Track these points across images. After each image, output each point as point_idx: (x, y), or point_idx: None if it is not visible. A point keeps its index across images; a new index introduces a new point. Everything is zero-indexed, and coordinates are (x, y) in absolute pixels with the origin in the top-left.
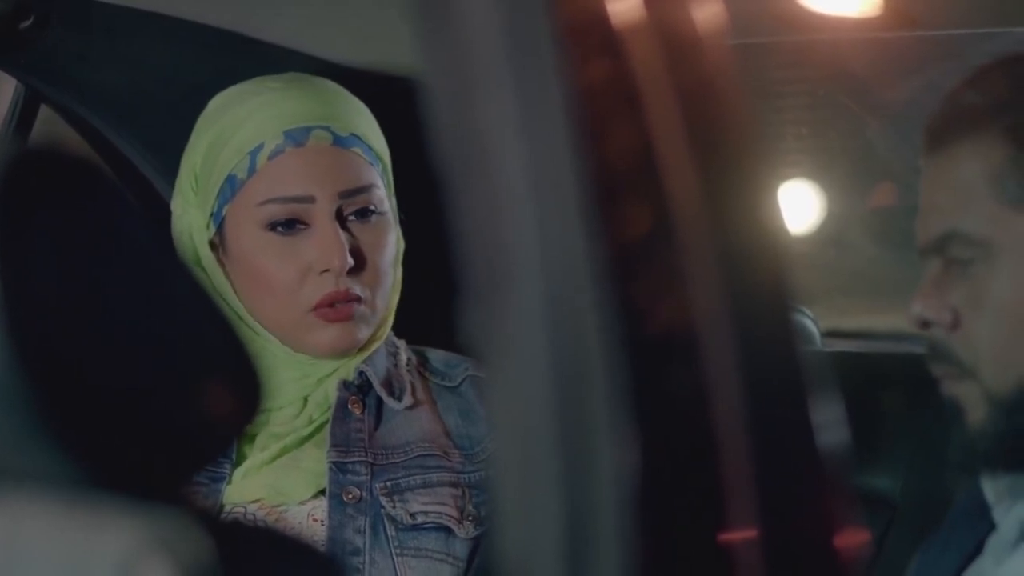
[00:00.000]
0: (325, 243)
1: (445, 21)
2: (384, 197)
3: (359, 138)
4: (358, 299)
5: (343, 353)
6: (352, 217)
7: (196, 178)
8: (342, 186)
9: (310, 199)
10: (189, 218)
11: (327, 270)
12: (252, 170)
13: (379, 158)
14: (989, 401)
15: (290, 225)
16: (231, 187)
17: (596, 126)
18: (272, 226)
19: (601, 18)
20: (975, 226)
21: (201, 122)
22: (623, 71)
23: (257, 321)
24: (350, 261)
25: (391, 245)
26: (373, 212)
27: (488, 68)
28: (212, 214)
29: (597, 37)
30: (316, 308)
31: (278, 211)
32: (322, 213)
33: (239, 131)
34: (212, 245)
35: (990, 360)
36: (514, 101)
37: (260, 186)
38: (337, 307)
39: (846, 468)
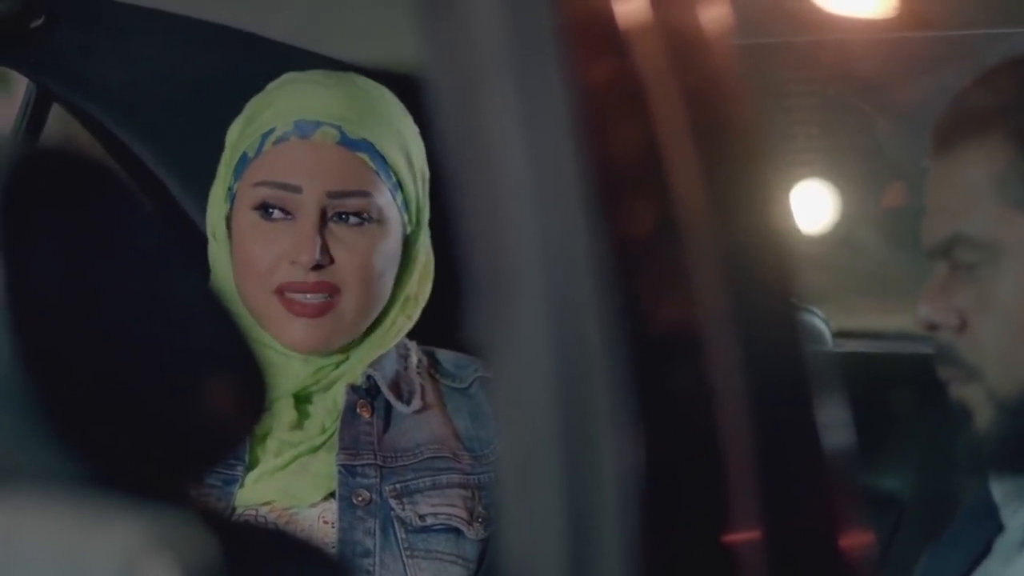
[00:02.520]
0: (300, 236)
1: (449, 19)
2: (384, 206)
3: (371, 144)
4: (330, 289)
5: (313, 351)
6: (337, 218)
7: (230, 150)
8: (333, 186)
9: (297, 189)
10: (215, 189)
11: (296, 262)
12: (259, 151)
13: (392, 170)
14: (994, 403)
15: (275, 211)
16: (242, 165)
17: (600, 124)
18: (259, 208)
19: (606, 16)
20: (980, 229)
21: (253, 98)
22: (628, 69)
23: (242, 301)
24: (318, 257)
25: (383, 255)
26: (366, 219)
27: (492, 66)
28: (228, 188)
29: (602, 35)
30: (278, 291)
31: (267, 194)
32: (306, 206)
33: (261, 114)
34: (227, 220)
35: (996, 363)
36: (518, 99)
37: (260, 168)
38: (304, 300)
39: (851, 468)
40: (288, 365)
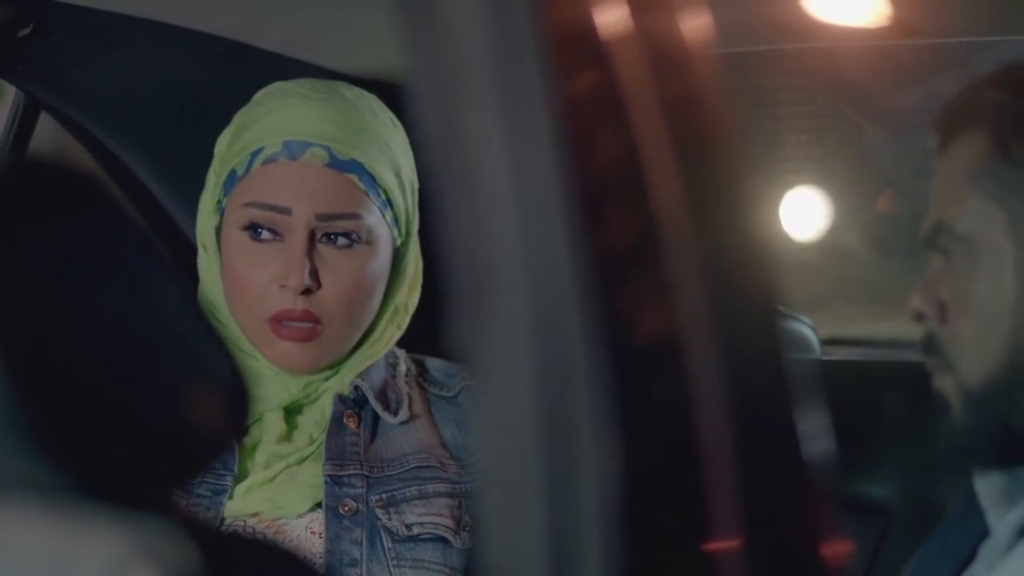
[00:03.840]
0: (289, 259)
1: (432, 31)
2: (374, 226)
3: (360, 165)
4: (315, 320)
5: (302, 372)
6: (327, 240)
7: (219, 162)
8: (322, 208)
9: (287, 211)
10: (205, 199)
11: (284, 286)
12: (248, 170)
13: (382, 189)
14: (963, 393)
15: (264, 232)
16: (231, 182)
17: (582, 136)
18: (248, 229)
19: (587, 27)
20: (958, 219)
21: (240, 110)
22: (609, 80)
23: (233, 317)
24: (307, 282)
25: (371, 274)
26: (355, 240)
27: (475, 78)
28: (218, 202)
29: (583, 46)
30: (270, 320)
31: (257, 216)
32: (295, 229)
33: (250, 129)
34: (217, 232)
35: (967, 353)
36: (501, 110)
37: (249, 187)
38: (291, 326)
39: (832, 476)
40: (278, 379)
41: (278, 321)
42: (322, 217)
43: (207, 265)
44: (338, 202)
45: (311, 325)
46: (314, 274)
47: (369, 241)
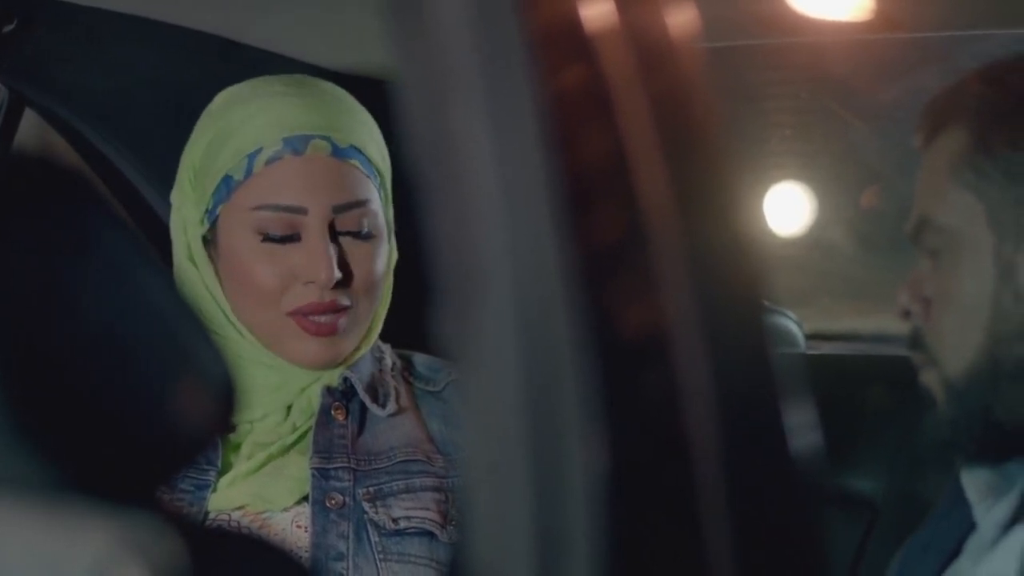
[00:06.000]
0: (313, 255)
1: (417, 27)
2: (379, 211)
3: (358, 150)
4: (343, 310)
5: (326, 366)
6: (344, 231)
7: (195, 174)
8: (337, 199)
9: (303, 210)
10: (185, 212)
11: (312, 282)
12: (249, 173)
13: (377, 171)
14: (946, 386)
15: (280, 233)
16: (227, 187)
17: (568, 132)
18: (263, 231)
19: (573, 23)
20: (940, 212)
21: (204, 118)
22: (595, 76)
23: (241, 322)
24: (337, 274)
25: (381, 259)
26: (366, 227)
27: (461, 74)
28: (207, 211)
29: (569, 43)
30: (294, 313)
31: (271, 218)
32: (314, 225)
33: (239, 132)
34: (205, 240)
35: (949, 346)
36: (486, 107)
37: (255, 190)
38: (320, 321)
39: (820, 471)
40: (286, 382)
41: (304, 315)
42: (338, 208)
43: (195, 279)
44: (348, 191)
45: (337, 314)
46: (343, 266)
47: (376, 226)
